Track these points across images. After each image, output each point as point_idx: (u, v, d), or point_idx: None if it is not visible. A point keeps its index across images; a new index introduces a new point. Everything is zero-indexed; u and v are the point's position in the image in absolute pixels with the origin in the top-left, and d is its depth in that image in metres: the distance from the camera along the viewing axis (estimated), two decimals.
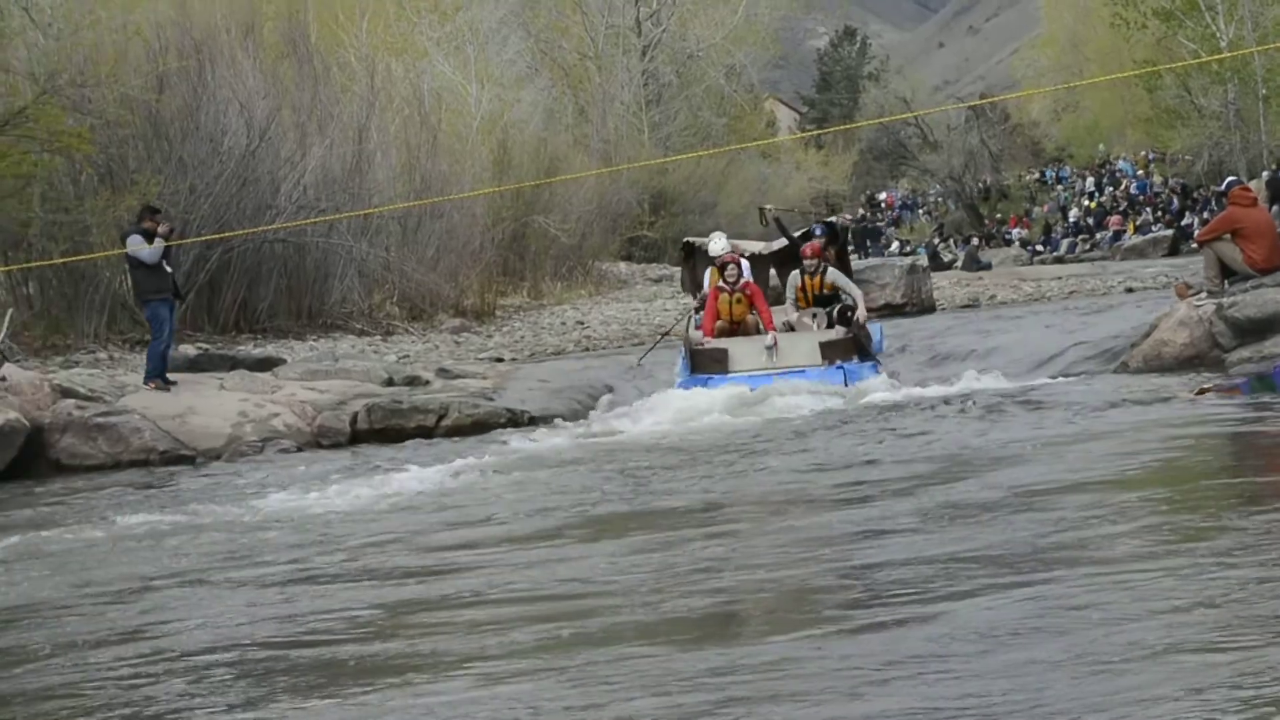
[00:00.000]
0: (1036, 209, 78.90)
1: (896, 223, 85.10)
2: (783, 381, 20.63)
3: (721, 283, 22.73)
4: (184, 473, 18.91)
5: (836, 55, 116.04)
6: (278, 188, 34.49)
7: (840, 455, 14.77)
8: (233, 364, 25.60)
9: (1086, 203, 73.52)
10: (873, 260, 47.10)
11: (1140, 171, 74.29)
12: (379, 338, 34.33)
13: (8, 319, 26.47)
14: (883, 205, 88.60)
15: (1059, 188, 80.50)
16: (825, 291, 23.11)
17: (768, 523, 11.73)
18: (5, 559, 12.35)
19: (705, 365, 21.57)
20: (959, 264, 58.58)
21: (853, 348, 21.65)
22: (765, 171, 66.87)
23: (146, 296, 22.94)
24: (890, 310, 33.75)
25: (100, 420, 20.87)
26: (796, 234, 26.01)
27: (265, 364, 26.16)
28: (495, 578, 9.82)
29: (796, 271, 23.30)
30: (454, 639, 8.13)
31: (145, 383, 22.33)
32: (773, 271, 26.11)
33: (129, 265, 24.19)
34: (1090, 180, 77.27)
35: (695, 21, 65.75)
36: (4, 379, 21.95)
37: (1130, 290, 35.23)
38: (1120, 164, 77.65)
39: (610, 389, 23.87)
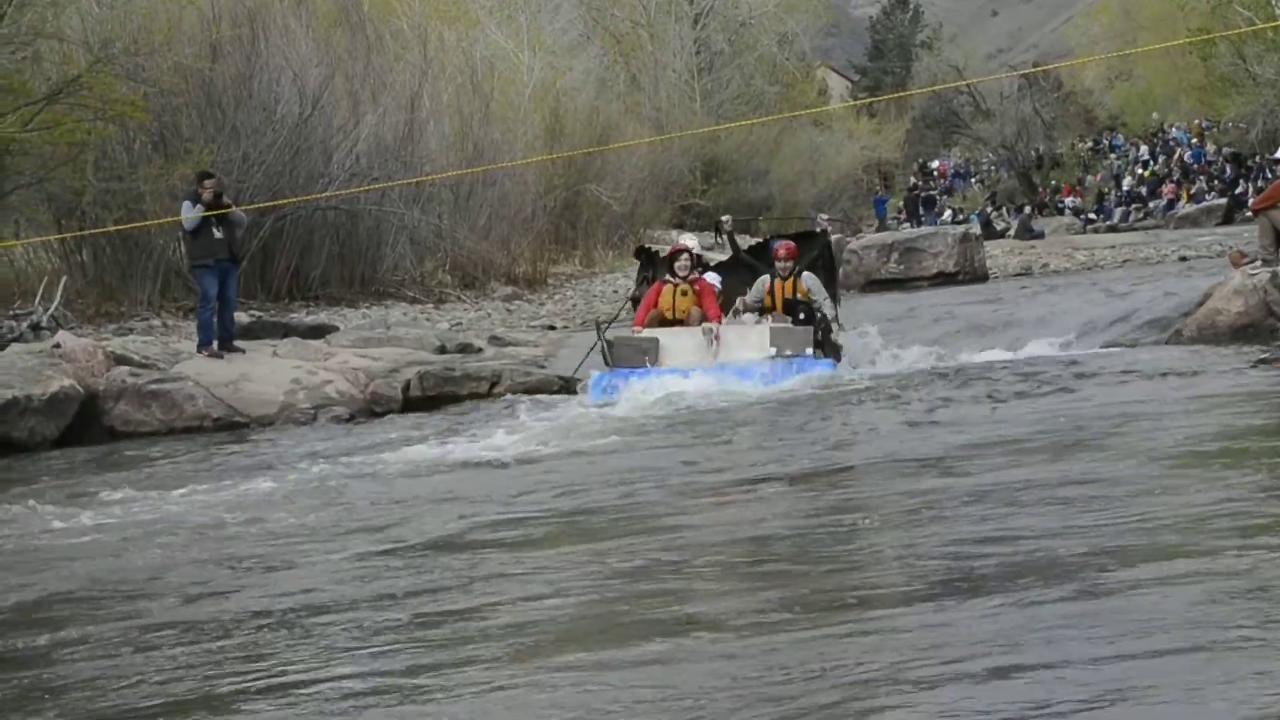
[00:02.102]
0: (1090, 177, 78.40)
1: (949, 191, 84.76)
2: (718, 378, 18.04)
3: (669, 275, 20.35)
4: (239, 439, 18.93)
5: (889, 23, 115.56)
6: (330, 156, 34.48)
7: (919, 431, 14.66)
8: (286, 331, 25.63)
9: (1140, 171, 73.09)
10: (925, 229, 47.03)
11: (1194, 140, 73.72)
12: (431, 305, 34.32)
13: (61, 287, 26.59)
14: (935, 174, 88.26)
15: (1112, 156, 79.95)
16: (797, 296, 20.18)
17: (821, 493, 11.63)
18: (91, 525, 12.35)
19: (627, 357, 18.69)
20: (1011, 232, 58.37)
21: (809, 338, 18.98)
22: (817, 139, 66.64)
23: (193, 263, 22.96)
24: (943, 278, 33.67)
25: (154, 387, 20.88)
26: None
27: (318, 331, 26.19)
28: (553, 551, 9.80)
29: (766, 275, 20.44)
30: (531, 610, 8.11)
31: (198, 350, 22.35)
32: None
33: (181, 232, 24.25)
34: (1144, 148, 76.75)
35: None
36: (58, 346, 22.00)
37: (1184, 259, 35.03)
38: (1174, 132, 77.06)
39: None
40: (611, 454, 14.13)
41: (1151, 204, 66.28)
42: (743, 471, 12.50)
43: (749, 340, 18.85)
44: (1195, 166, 69.23)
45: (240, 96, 33.29)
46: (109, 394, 20.93)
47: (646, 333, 19.28)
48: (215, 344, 22.19)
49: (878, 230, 56.77)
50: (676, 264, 20.19)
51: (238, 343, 22.63)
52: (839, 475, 12.16)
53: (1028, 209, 69.13)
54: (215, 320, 22.36)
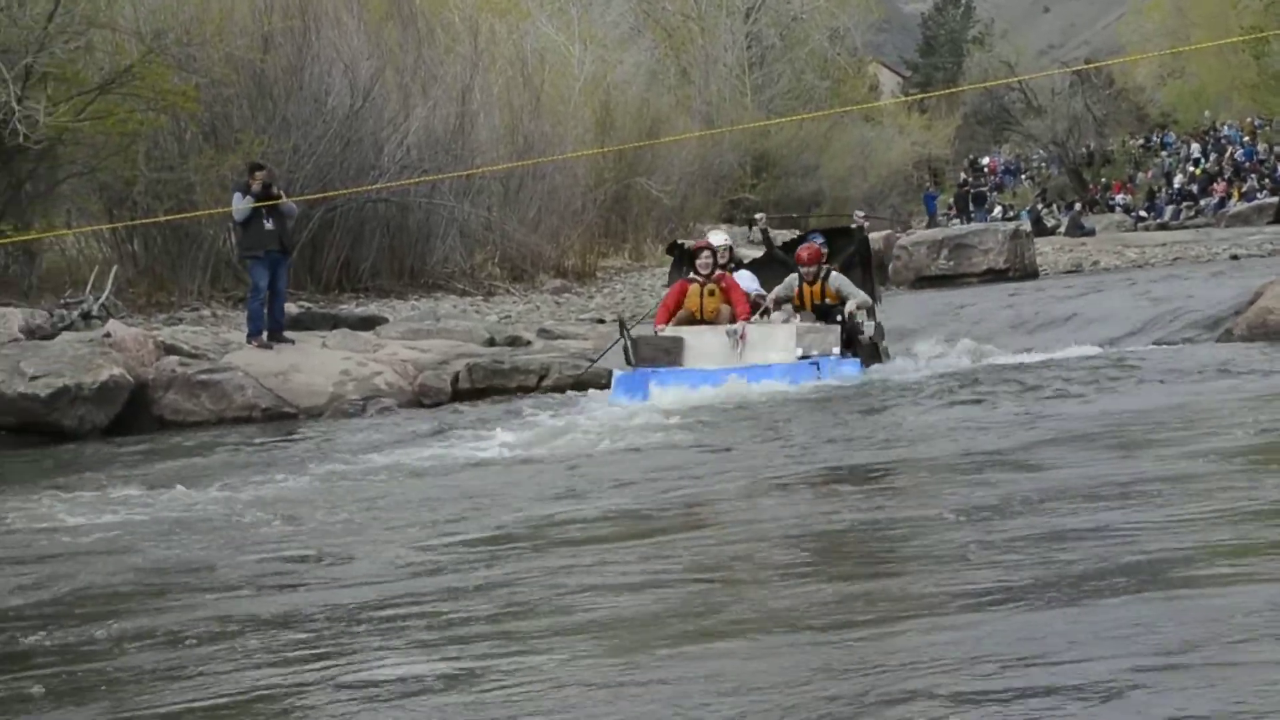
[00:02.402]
0: (1140, 175, 78.16)
1: (999, 188, 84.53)
2: (742, 379, 17.48)
3: (694, 273, 19.61)
4: (287, 430, 18.93)
5: (941, 19, 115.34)
6: (381, 148, 34.54)
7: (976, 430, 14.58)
8: (335, 323, 25.71)
9: (1191, 169, 72.90)
10: (976, 225, 46.97)
11: (1246, 138, 73.53)
12: (480, 298, 34.35)
13: (112, 276, 26.65)
14: (986, 170, 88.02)
15: (1163, 154, 79.71)
16: (828, 301, 19.47)
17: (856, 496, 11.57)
18: (141, 515, 12.35)
19: (652, 356, 18.10)
20: (1062, 229, 58.16)
21: (836, 338, 18.20)
22: (868, 135, 66.56)
23: (244, 253, 23.10)
24: (993, 275, 33.65)
25: (204, 377, 20.94)
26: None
27: (367, 323, 26.24)
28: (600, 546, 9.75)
29: (793, 276, 19.74)
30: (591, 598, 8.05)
31: (248, 340, 22.41)
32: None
33: (231, 223, 24.33)
34: (1195, 146, 76.52)
35: None
36: (109, 335, 22.06)
37: (1235, 257, 34.89)
38: (1226, 130, 76.86)
39: None
40: (659, 450, 13.95)
41: (1202, 202, 66.10)
42: (797, 468, 12.30)
43: (776, 340, 18.21)
44: (1247, 165, 69.07)
45: (291, 88, 33.36)
46: (159, 383, 21.00)
47: (671, 331, 18.78)
48: (265, 335, 22.26)
49: (928, 226, 56.72)
50: (698, 261, 19.44)
51: (287, 334, 22.70)
52: (900, 471, 12.05)
53: (1078, 206, 68.96)
54: (265, 311, 22.42)
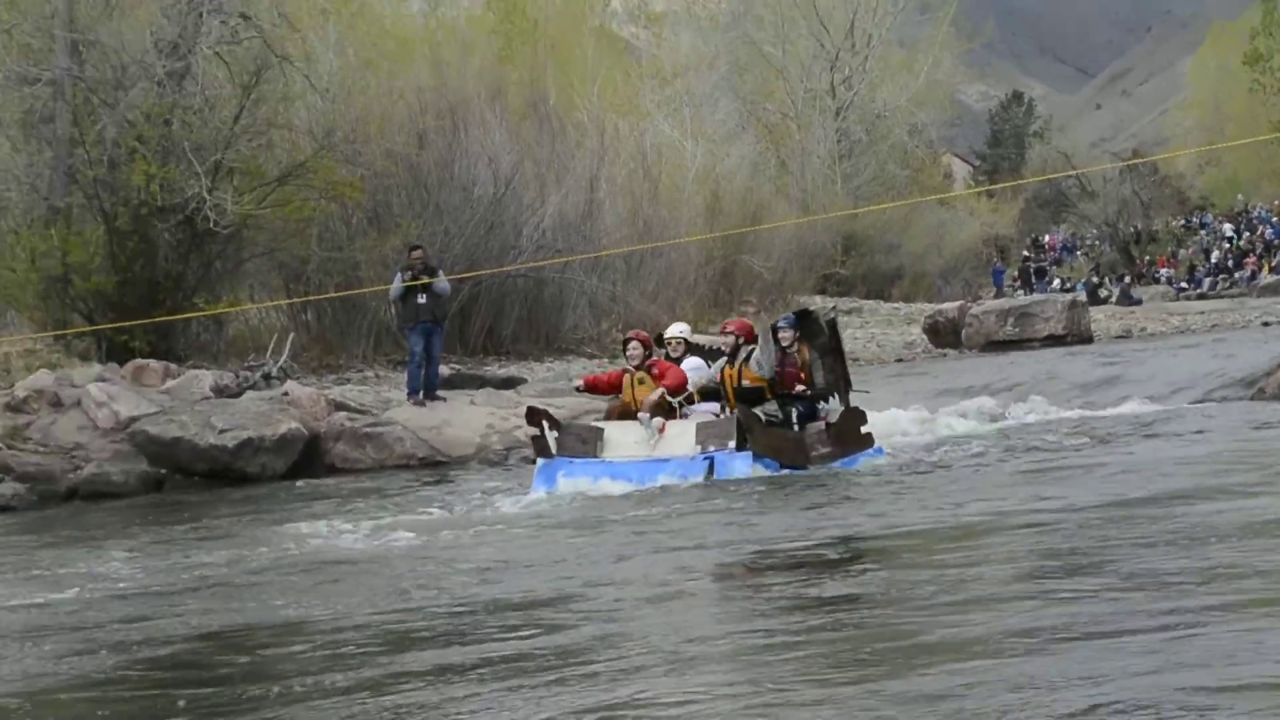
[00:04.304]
0: (1182, 251, 77.58)
1: (1058, 262, 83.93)
2: (638, 473, 15.54)
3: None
4: (440, 476, 18.98)
5: (1006, 115, 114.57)
6: (520, 230, 34.66)
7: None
8: (481, 383, 25.78)
9: (1226, 246, 72.39)
10: (1037, 295, 46.72)
11: (1275, 219, 73.00)
12: (606, 360, 34.36)
13: (289, 342, 26.86)
14: (1046, 247, 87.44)
15: (1202, 232, 79.15)
16: (745, 383, 16.50)
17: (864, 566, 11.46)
18: (316, 549, 12.40)
19: (570, 446, 16.04)
20: (1114, 299, 57.73)
21: (732, 433, 15.68)
22: (943, 217, 66.09)
23: (401, 324, 23.34)
24: (1053, 340, 33.43)
25: (368, 430, 21.05)
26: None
27: (509, 383, 26.31)
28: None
29: (721, 360, 16.87)
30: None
31: (407, 399, 22.54)
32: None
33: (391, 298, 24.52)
34: (1229, 226, 76.09)
35: (883, 86, 65.28)
36: (286, 394, 22.25)
37: (1267, 324, 34.56)
38: (1257, 211, 76.46)
39: None
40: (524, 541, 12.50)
41: (1236, 275, 65.65)
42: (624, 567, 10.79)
43: (684, 435, 15.92)
44: (1276, 242, 68.60)
45: (443, 178, 33.58)
46: (329, 435, 21.14)
47: (595, 422, 16.83)
48: (420, 394, 22.33)
49: (995, 297, 56.36)
50: (628, 352, 16.91)
51: (440, 393, 22.75)
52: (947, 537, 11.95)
53: (1127, 279, 68.51)
54: (421, 373, 22.51)
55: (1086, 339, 34.23)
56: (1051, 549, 9.52)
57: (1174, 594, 7.74)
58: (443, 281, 22.84)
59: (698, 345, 17.47)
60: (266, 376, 24.74)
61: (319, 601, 9.65)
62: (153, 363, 23.98)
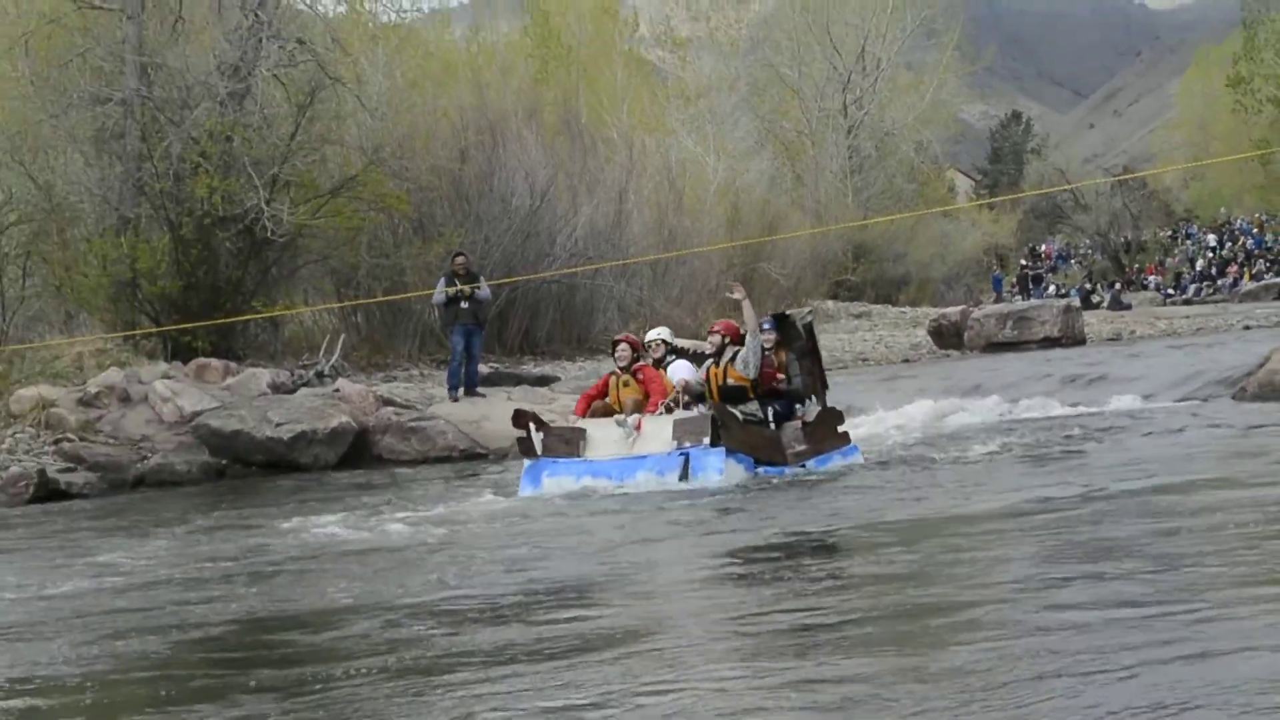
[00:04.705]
0: (1169, 260, 77.46)
1: (1054, 270, 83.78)
2: (616, 471, 15.04)
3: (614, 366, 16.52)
4: (480, 468, 19.02)
5: (1005, 133, 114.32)
6: (554, 239, 34.63)
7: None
8: (517, 380, 25.76)
9: (1210, 255, 72.26)
10: (1034, 301, 46.55)
11: (1255, 230, 72.95)
12: None
13: (340, 343, 26.89)
14: (1042, 255, 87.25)
15: (1187, 242, 79.02)
16: (730, 382, 15.92)
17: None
18: (366, 535, 12.39)
19: (554, 447, 15.48)
20: (1105, 305, 57.50)
21: (706, 428, 15.03)
22: (947, 228, 66.00)
23: (444, 326, 23.44)
24: (1049, 342, 33.28)
25: (413, 424, 21.09)
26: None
27: (543, 380, 26.31)
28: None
29: (709, 362, 16.23)
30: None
31: (449, 395, 22.58)
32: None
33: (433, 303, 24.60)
34: (1213, 236, 76.05)
35: (891, 106, 65.22)
36: (338, 390, 22.31)
37: (1247, 328, 34.35)
38: (1239, 223, 76.41)
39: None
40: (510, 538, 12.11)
41: (1220, 282, 65.50)
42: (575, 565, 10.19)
43: (662, 432, 15.26)
44: (1256, 251, 68.74)
45: (483, 190, 33.58)
46: (377, 428, 21.19)
47: (578, 422, 15.98)
48: (461, 391, 22.36)
49: (995, 302, 56.26)
50: (615, 355, 16.49)
51: (480, 390, 22.76)
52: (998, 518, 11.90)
53: (1118, 285, 68.34)
54: (462, 371, 22.55)
55: (1080, 341, 34.07)
56: (1057, 538, 9.45)
57: (1194, 577, 7.71)
58: (484, 289, 22.87)
59: (680, 348, 17.00)
60: (319, 374, 24.77)
61: (370, 587, 9.62)
62: (214, 361, 24.03)
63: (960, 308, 39.63)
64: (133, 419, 21.40)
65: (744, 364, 15.81)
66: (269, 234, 27.04)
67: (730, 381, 15.84)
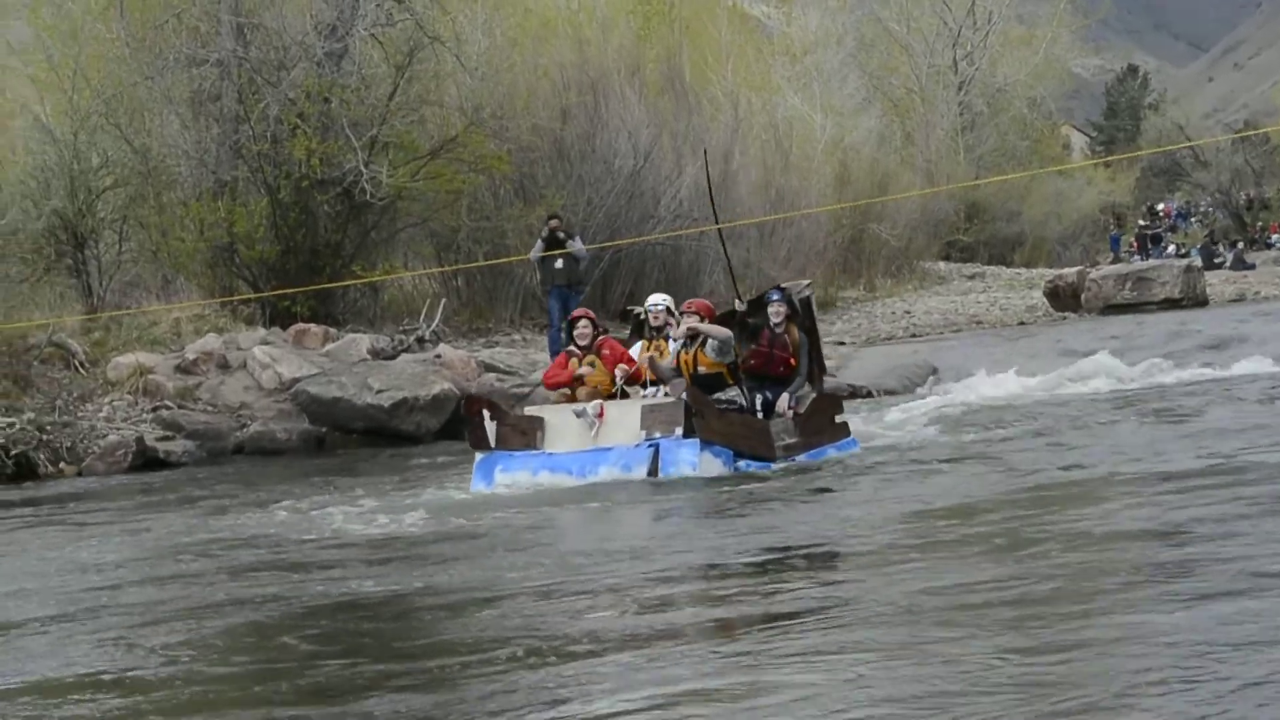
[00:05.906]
0: None
1: (1173, 229, 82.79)
2: (577, 465, 13.79)
3: (572, 346, 15.19)
4: None
5: (1121, 88, 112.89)
6: (658, 200, 34.43)
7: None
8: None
9: None
10: (1154, 261, 45.97)
11: None
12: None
13: (441, 307, 26.88)
14: (1161, 214, 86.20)
15: None
16: (701, 369, 14.53)
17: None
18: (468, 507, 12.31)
19: (507, 438, 14.06)
20: (1228, 264, 56.66)
21: (679, 417, 13.63)
22: (1061, 186, 65.17)
23: (541, 286, 23.52)
24: (1169, 304, 32.84)
25: (516, 390, 20.98)
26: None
27: None
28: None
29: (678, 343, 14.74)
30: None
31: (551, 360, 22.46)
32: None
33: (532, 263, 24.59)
34: None
35: (1003, 61, 64.51)
36: (439, 356, 22.25)
37: None
38: None
39: (935, 369, 23.48)
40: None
41: None
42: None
43: (627, 420, 13.90)
44: None
45: (585, 151, 33.42)
46: (479, 395, 21.04)
47: (533, 411, 14.79)
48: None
49: (1112, 262, 55.55)
50: (575, 332, 15.19)
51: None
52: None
53: (1240, 244, 67.37)
54: (560, 336, 22.42)
55: (1202, 303, 33.60)
56: (1181, 513, 9.17)
57: None
58: (578, 244, 22.79)
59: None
60: (420, 340, 24.76)
61: (469, 568, 9.48)
62: (313, 327, 24.07)
63: (1077, 268, 39.14)
64: (231, 386, 21.45)
65: (714, 350, 14.52)
66: (368, 197, 27.06)
67: (702, 369, 14.50)
